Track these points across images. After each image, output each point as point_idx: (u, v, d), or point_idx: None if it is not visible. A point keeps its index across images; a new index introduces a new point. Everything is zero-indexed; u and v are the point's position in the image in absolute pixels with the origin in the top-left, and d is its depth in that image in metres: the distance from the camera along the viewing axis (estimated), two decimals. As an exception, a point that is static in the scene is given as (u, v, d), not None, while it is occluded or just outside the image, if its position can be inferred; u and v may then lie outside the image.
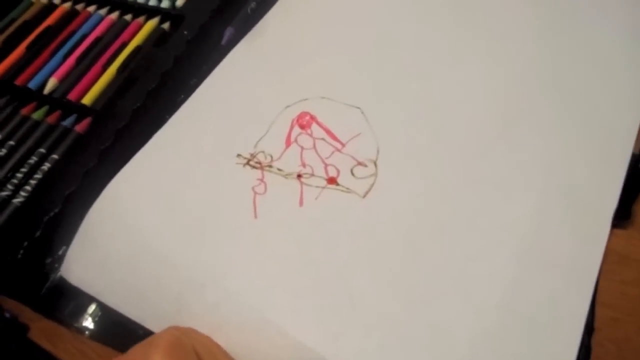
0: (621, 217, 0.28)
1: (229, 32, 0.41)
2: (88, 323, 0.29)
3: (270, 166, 0.30)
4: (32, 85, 0.39)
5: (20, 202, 0.33)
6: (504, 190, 0.28)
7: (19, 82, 0.40)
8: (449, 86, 0.33)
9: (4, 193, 0.34)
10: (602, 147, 0.28)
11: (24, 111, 0.38)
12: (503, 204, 0.27)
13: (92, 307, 0.29)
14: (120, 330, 0.28)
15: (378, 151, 0.30)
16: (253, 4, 0.43)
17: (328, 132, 0.32)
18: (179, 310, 0.27)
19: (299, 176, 0.30)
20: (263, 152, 0.31)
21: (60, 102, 0.38)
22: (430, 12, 0.37)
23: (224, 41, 0.41)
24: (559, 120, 0.29)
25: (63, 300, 0.29)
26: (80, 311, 0.29)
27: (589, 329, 0.25)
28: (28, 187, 0.34)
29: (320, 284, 0.26)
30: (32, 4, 0.45)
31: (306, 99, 0.34)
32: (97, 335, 0.28)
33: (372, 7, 0.39)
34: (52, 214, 0.32)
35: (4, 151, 0.36)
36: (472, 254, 0.26)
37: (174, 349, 0.23)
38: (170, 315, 0.27)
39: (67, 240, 0.31)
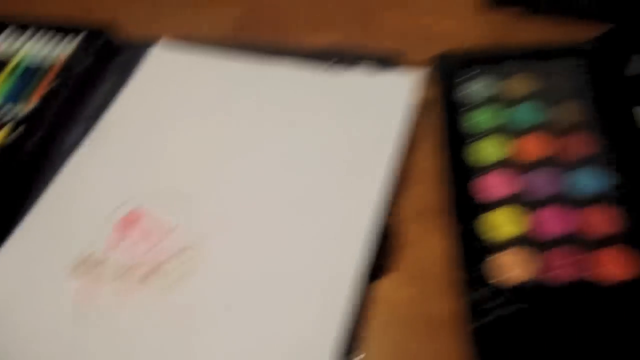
0: (377, 272, 0.36)
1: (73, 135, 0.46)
2: None
3: (98, 269, 0.36)
4: None
5: None
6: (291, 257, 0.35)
7: None
8: (257, 173, 0.40)
9: None
10: (350, 216, 0.36)
11: None
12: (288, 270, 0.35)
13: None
14: None
15: (195, 242, 0.37)
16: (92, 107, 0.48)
17: (152, 228, 0.38)
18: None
19: (123, 275, 0.36)
20: (93, 255, 0.37)
21: None
22: (243, 107, 0.44)
23: (66, 146, 0.46)
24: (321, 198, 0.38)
25: None
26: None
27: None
28: None
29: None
30: None
31: (135, 197, 0.40)
32: None
33: (199, 103, 0.45)
34: None
35: None
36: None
37: None
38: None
39: None
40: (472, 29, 0.50)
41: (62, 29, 0.53)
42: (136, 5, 0.56)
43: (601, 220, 0.36)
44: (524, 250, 0.35)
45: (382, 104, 0.41)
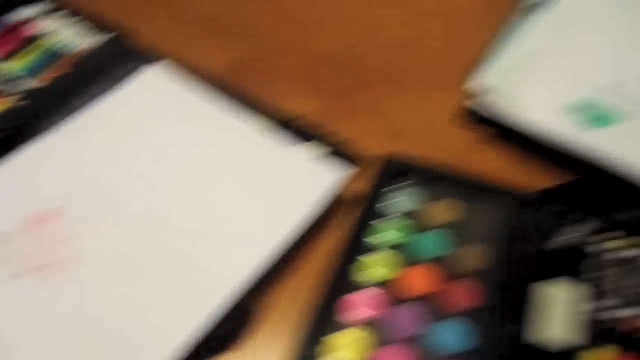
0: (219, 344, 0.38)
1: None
2: None
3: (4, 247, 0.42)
4: None
5: None
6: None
7: None
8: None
9: None
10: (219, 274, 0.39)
11: None
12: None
13: None
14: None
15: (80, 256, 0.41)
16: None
17: (55, 232, 0.42)
18: None
19: (18, 260, 0.41)
20: (3, 234, 0.42)
21: None
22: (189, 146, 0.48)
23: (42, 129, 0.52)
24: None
25: None
26: None
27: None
28: None
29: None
30: None
31: (60, 198, 0.44)
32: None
33: (159, 132, 0.49)
34: None
35: None
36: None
37: None
38: None
39: None
40: (438, 142, 0.49)
41: (98, 25, 0.59)
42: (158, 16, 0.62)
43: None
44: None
45: (309, 185, 0.43)
